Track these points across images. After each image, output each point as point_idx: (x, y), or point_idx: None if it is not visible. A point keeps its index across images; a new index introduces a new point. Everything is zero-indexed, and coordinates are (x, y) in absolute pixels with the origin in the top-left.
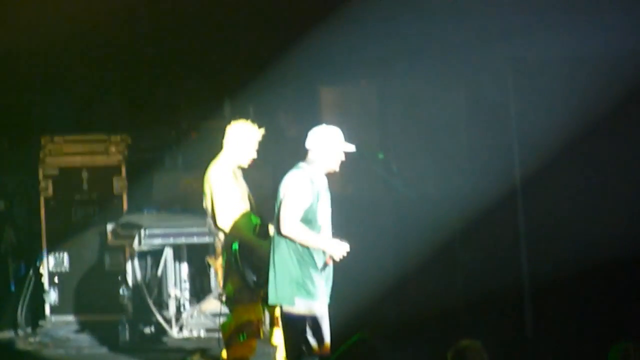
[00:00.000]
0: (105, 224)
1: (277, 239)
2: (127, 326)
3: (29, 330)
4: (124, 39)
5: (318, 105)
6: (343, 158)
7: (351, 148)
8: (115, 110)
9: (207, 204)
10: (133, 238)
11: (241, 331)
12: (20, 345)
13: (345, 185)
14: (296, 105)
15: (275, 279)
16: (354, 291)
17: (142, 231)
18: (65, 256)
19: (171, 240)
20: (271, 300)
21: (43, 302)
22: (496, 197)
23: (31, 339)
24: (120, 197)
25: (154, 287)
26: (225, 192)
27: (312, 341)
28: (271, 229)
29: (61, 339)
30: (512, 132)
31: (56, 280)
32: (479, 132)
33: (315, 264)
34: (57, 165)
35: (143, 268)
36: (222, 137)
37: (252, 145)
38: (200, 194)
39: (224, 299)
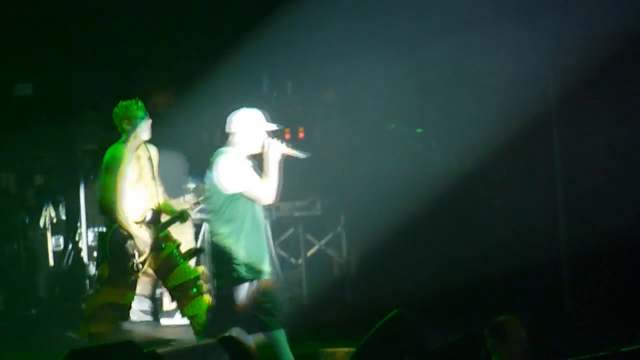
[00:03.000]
0: None
1: (219, 229)
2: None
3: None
4: (163, 14)
5: (356, 80)
6: (265, 139)
7: (273, 127)
8: (154, 86)
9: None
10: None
11: (107, 309)
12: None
13: (382, 160)
14: (335, 81)
15: (232, 262)
16: (392, 266)
17: None
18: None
19: None
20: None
21: (83, 276)
22: (535, 173)
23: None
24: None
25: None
26: (114, 176)
27: (264, 316)
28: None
29: None
30: (551, 108)
31: (95, 254)
32: (518, 106)
33: (263, 240)
34: (95, 140)
35: None
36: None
37: (146, 128)
38: None
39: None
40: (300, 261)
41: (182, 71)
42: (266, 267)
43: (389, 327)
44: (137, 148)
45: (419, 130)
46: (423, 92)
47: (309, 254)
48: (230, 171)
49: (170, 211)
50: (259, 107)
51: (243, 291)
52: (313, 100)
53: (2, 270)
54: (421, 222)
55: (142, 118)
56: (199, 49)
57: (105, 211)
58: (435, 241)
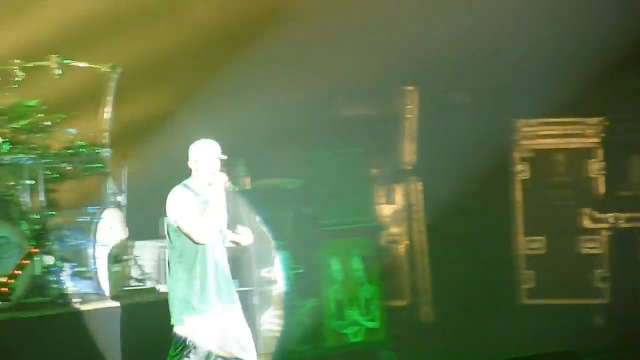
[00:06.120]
0: (581, 207)
1: (171, 264)
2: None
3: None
4: None
5: None
6: (215, 169)
7: (223, 156)
8: (591, 93)
9: None
10: (610, 220)
11: None
12: None
13: None
14: None
15: (170, 301)
16: None
17: None
18: (542, 239)
19: None
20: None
21: (518, 284)
22: None
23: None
24: (596, 180)
25: None
26: None
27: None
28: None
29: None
30: None
31: (532, 262)
32: None
33: (206, 274)
34: (532, 147)
35: (622, 251)
36: None
37: None
38: None
39: None
40: None
41: (619, 79)
42: (208, 304)
43: None
44: None
45: None
46: None
47: None
48: (171, 204)
49: None
50: None
51: (192, 331)
52: None
53: None
54: None
55: None
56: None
57: None
58: None
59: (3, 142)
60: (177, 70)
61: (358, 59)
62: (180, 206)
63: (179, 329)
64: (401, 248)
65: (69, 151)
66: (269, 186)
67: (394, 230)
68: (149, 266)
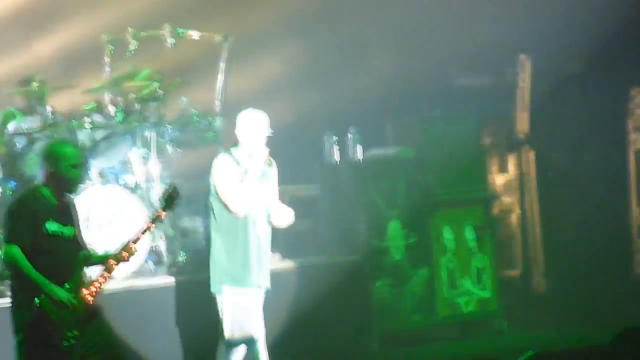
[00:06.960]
0: None
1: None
2: None
3: None
4: None
5: None
6: (262, 140)
7: (269, 131)
8: None
9: None
10: None
11: None
12: None
13: None
14: None
15: (210, 269)
16: None
17: None
18: None
19: None
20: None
21: (632, 255)
22: None
23: None
24: None
25: None
26: None
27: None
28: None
29: None
30: None
31: None
32: None
33: (247, 246)
34: None
35: None
36: None
37: None
38: None
39: None
40: None
41: None
42: (248, 277)
43: None
44: None
45: None
46: None
47: None
48: (213, 171)
49: None
50: None
51: (228, 300)
52: None
53: None
54: None
55: None
56: None
57: None
58: None
59: (117, 111)
60: (289, 39)
61: (472, 27)
62: (220, 174)
63: (219, 298)
64: (514, 218)
65: (183, 120)
66: (382, 155)
67: (507, 199)
68: None
